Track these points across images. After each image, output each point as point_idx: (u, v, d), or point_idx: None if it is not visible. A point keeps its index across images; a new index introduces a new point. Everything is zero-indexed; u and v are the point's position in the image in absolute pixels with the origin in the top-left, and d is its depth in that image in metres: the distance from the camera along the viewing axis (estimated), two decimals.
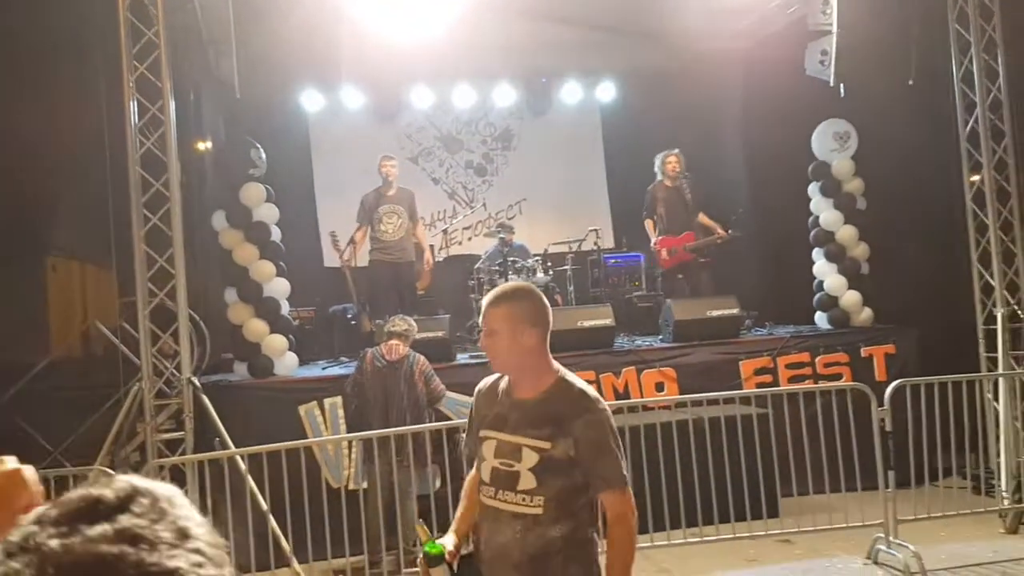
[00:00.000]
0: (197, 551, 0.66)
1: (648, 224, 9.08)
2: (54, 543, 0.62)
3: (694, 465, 6.23)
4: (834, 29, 7.28)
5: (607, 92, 11.09)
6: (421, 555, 2.65)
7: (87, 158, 8.63)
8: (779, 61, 8.55)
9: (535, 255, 9.46)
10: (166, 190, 6.62)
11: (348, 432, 6.96)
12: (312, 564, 6.28)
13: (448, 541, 2.72)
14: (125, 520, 0.65)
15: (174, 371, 6.66)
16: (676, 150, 8.89)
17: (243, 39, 7.59)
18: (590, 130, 11.55)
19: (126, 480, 0.69)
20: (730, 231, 8.67)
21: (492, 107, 11.21)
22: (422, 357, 6.48)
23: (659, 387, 7.59)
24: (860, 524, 6.00)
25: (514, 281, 2.76)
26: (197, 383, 6.68)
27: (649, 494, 6.17)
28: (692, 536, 6.12)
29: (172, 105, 6.71)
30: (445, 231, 10.74)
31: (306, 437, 6.96)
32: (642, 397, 7.42)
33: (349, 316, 9.09)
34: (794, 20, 8.24)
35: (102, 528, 0.63)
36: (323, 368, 8.27)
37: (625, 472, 2.63)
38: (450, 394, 6.67)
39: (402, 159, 10.34)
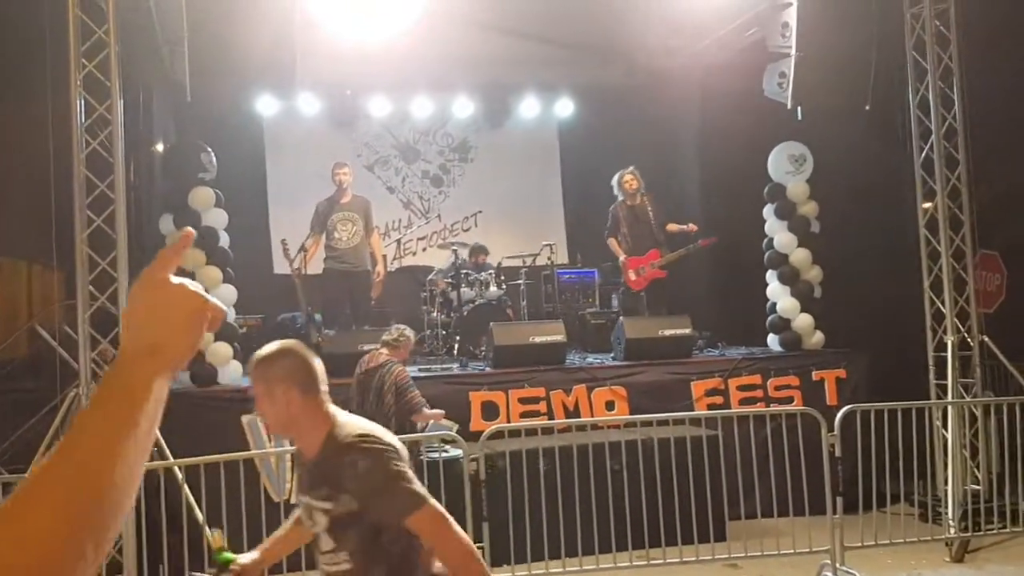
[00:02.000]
0: None
1: (612, 243, 8.99)
2: None
3: (642, 486, 6.18)
4: (792, 52, 7.32)
5: (565, 108, 11.09)
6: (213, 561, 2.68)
7: (32, 156, 8.38)
8: (737, 82, 8.59)
9: (488, 270, 9.38)
10: (111, 191, 6.42)
11: None
12: None
13: (247, 556, 2.71)
14: None
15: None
16: (631, 167, 8.87)
17: (196, 41, 7.43)
18: (547, 145, 11.54)
19: None
20: (692, 246, 8.66)
21: (450, 118, 11.15)
22: (399, 368, 6.25)
23: (609, 406, 7.52)
24: (807, 550, 5.98)
25: (278, 342, 2.80)
26: None
27: (596, 515, 6.11)
28: (639, 559, 6.06)
29: (120, 105, 6.52)
30: (399, 241, 10.62)
31: (248, 448, 6.78)
32: (592, 415, 7.35)
33: (297, 325, 8.91)
34: (753, 42, 8.29)
35: None
36: None
37: (419, 489, 2.54)
38: None
39: (358, 167, 10.23)
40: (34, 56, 7.66)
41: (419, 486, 2.55)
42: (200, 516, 5.92)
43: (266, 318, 9.40)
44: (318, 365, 2.69)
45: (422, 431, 6.44)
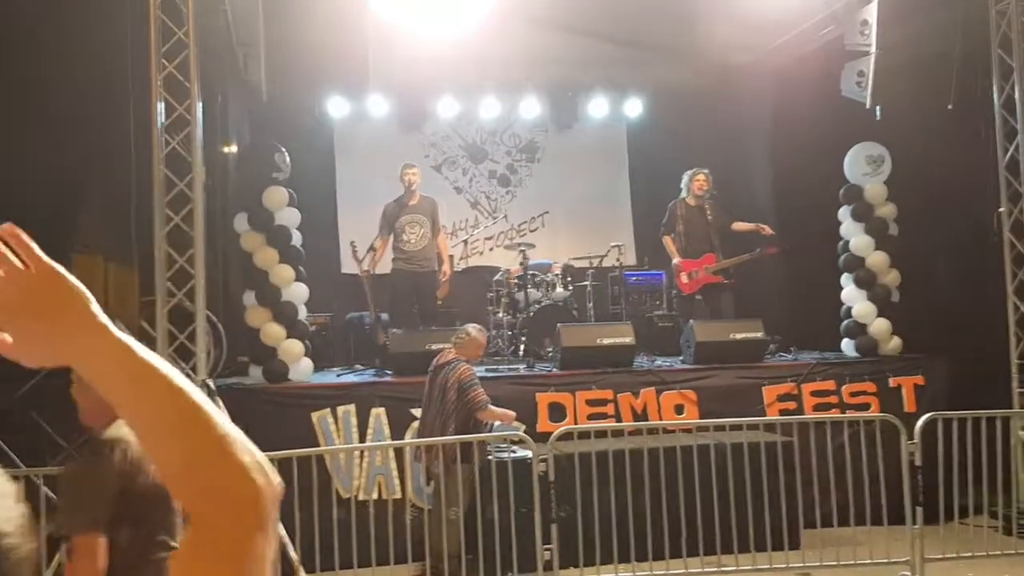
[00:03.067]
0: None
1: (667, 241, 8.92)
2: None
3: (714, 491, 6.08)
4: (872, 50, 7.14)
5: (634, 108, 10.99)
6: None
7: (113, 156, 8.61)
8: (812, 81, 8.42)
9: (553, 272, 9.34)
10: (189, 190, 6.56)
11: (367, 440, 6.92)
12: (320, 575, 6.16)
13: None
14: None
15: (190, 372, 6.58)
16: (706, 170, 8.74)
17: (272, 43, 7.56)
18: (616, 145, 11.46)
19: None
20: (758, 251, 8.50)
21: (517, 119, 11.14)
22: (464, 366, 6.26)
23: (679, 409, 7.43)
24: (885, 560, 5.83)
25: None
26: (212, 385, 6.59)
27: (666, 520, 6.04)
28: (710, 565, 5.96)
29: (199, 106, 6.66)
30: (466, 241, 10.65)
31: (318, 444, 6.87)
32: (661, 419, 7.27)
33: (365, 325, 9.01)
34: (829, 40, 8.11)
35: None
36: (337, 375, 8.18)
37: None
38: None
39: (425, 167, 10.28)
40: (115, 58, 7.87)
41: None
42: None
43: (334, 317, 9.51)
44: None
45: (490, 430, 6.44)
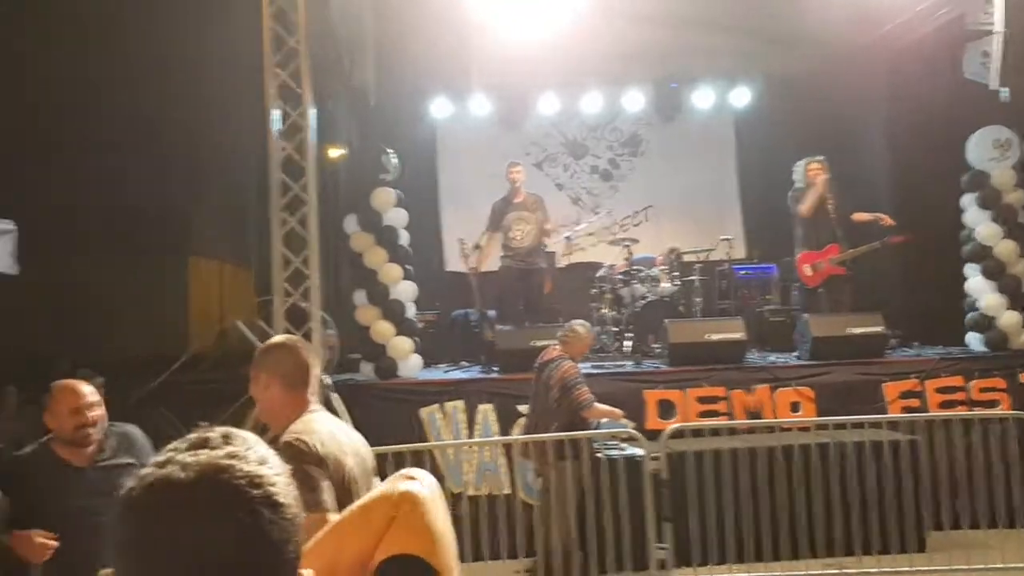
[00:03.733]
0: (272, 468, 1.01)
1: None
2: (188, 458, 0.98)
3: (834, 491, 5.89)
4: (998, 29, 6.77)
5: (741, 97, 10.73)
6: None
7: (229, 162, 8.94)
8: (931, 63, 8.08)
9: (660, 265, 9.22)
10: (304, 193, 6.75)
11: (474, 436, 6.99)
12: None
13: None
14: (228, 448, 1.00)
15: None
16: (820, 157, 8.45)
17: (378, 48, 7.71)
18: (722, 136, 11.22)
19: (223, 428, 1.04)
20: (882, 241, 8.15)
21: (620, 112, 11.05)
22: (568, 364, 6.22)
23: (795, 407, 7.22)
24: (1018, 566, 5.54)
25: (282, 336, 3.13)
26: (328, 381, 6.77)
27: (784, 519, 5.89)
28: (830, 567, 5.79)
29: (311, 112, 6.84)
30: (568, 238, 10.60)
31: (427, 439, 6.97)
32: (775, 416, 7.08)
33: (472, 321, 9.09)
34: (949, 20, 7.73)
35: (216, 451, 0.99)
36: (445, 371, 8.29)
37: (316, 496, 2.52)
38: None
39: (527, 165, 10.30)
40: (231, 69, 8.16)
41: (321, 493, 2.54)
42: None
43: (441, 314, 9.62)
44: (307, 364, 2.82)
45: (596, 428, 6.40)
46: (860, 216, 8.32)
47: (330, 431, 2.77)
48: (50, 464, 3.44)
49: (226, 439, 1.01)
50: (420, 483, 1.35)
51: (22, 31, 7.80)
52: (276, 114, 6.78)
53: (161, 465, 0.98)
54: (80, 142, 8.04)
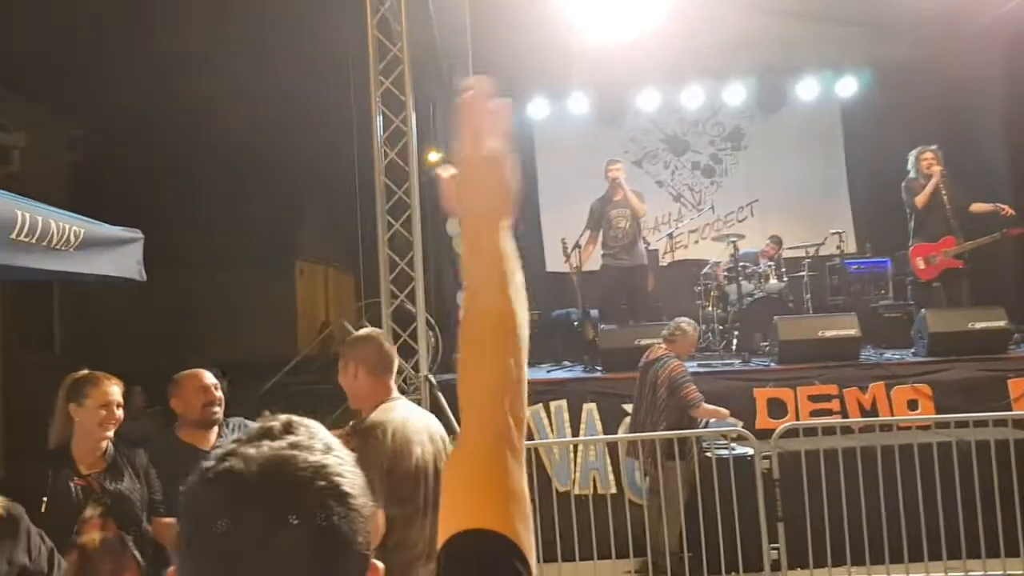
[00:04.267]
0: (338, 456, 0.97)
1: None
2: (251, 450, 0.94)
3: (957, 492, 5.65)
4: None
5: (848, 87, 10.44)
6: None
7: (333, 169, 9.21)
8: None
9: (767, 262, 9.03)
10: (407, 197, 6.90)
11: (579, 435, 7.00)
12: (543, 566, 6.28)
13: None
14: (291, 438, 0.96)
15: (412, 369, 6.91)
16: (934, 146, 8.12)
17: (477, 53, 7.81)
18: (828, 127, 10.93)
19: (285, 415, 1.01)
20: (1001, 233, 7.79)
21: (721, 106, 10.90)
22: (675, 362, 6.22)
23: (912, 405, 6.97)
24: None
25: (367, 329, 3.41)
26: (433, 380, 6.90)
27: (903, 521, 5.68)
28: (954, 570, 5.57)
29: (414, 117, 6.99)
30: (671, 235, 10.51)
31: (532, 439, 7.00)
32: (892, 415, 6.84)
33: (574, 321, 9.09)
34: None
35: (279, 441, 0.96)
36: (547, 371, 8.30)
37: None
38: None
39: (626, 163, 10.24)
40: (336, 77, 8.41)
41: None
42: None
43: (540, 315, 9.66)
44: (390, 354, 3.11)
45: (703, 427, 6.32)
46: (979, 207, 7.94)
47: (403, 418, 2.99)
48: (177, 449, 3.65)
49: (288, 428, 0.97)
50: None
51: (151, 55, 8.22)
52: (380, 120, 6.95)
53: (222, 458, 0.94)
54: (199, 157, 8.43)
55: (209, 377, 3.82)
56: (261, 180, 8.99)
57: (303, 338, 10.87)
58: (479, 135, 1.29)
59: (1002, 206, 7.82)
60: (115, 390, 3.42)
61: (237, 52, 8.30)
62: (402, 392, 6.73)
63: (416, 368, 6.95)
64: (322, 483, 0.93)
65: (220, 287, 8.79)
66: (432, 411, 6.74)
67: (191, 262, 8.57)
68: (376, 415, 2.96)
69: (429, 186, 9.42)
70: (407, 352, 7.00)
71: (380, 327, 7.06)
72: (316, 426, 1.00)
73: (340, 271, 11.50)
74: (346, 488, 0.95)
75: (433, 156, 9.83)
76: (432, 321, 8.25)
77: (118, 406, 3.42)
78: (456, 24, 8.14)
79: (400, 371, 6.95)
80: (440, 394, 6.84)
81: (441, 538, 1.08)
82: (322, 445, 0.97)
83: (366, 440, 2.84)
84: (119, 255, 4.15)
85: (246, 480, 0.92)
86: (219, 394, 3.79)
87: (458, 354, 1.24)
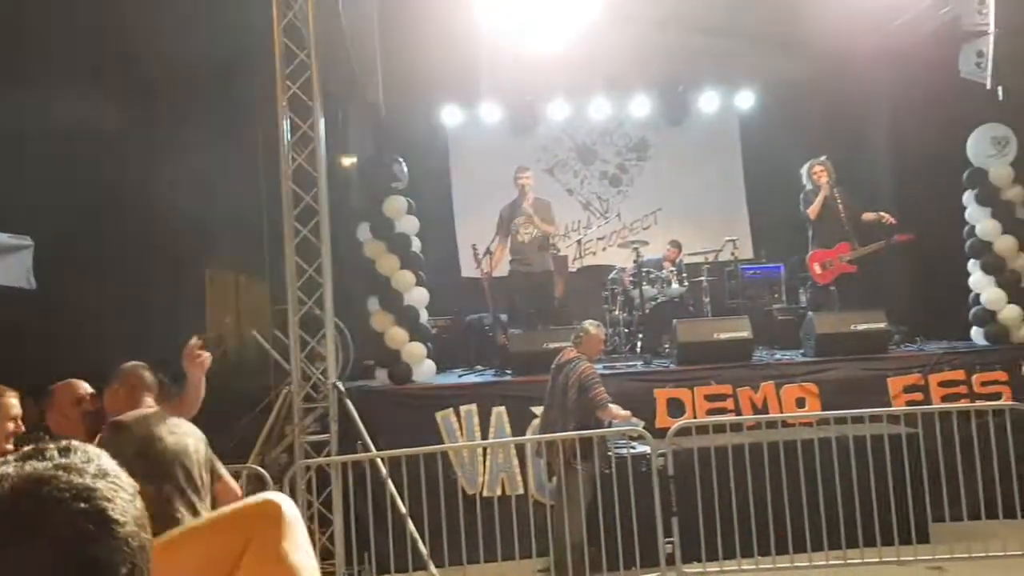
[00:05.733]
0: (114, 484, 0.93)
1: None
2: (10, 469, 0.90)
3: (838, 485, 6.01)
4: (991, 29, 6.89)
5: (746, 100, 10.87)
6: None
7: (241, 175, 9.14)
8: (930, 64, 8.17)
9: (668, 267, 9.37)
10: (315, 203, 6.94)
11: (488, 438, 7.15)
12: (448, 569, 6.42)
13: None
14: (62, 459, 0.92)
15: (320, 376, 6.95)
16: (823, 158, 8.59)
17: (387, 57, 7.89)
18: (728, 139, 11.35)
19: (66, 440, 0.96)
20: (887, 240, 8.28)
21: (627, 117, 11.20)
22: (585, 364, 6.37)
23: (800, 403, 7.36)
24: (1019, 553, 5.64)
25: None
26: (342, 388, 6.96)
27: (790, 513, 6.01)
28: (835, 559, 5.91)
29: (322, 122, 7.03)
30: (579, 242, 10.77)
31: (442, 443, 7.12)
32: (781, 412, 7.21)
33: (485, 326, 9.25)
34: (947, 21, 7.85)
35: (45, 463, 0.91)
36: (459, 376, 8.44)
37: None
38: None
39: (537, 171, 10.46)
40: (242, 82, 8.38)
41: None
42: (403, 508, 6.30)
43: (455, 320, 9.79)
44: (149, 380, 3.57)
45: (608, 427, 6.56)
46: (868, 216, 8.44)
47: (153, 413, 3.37)
48: None
49: (64, 452, 0.93)
50: (284, 503, 1.25)
51: (40, 51, 8.04)
52: (286, 125, 6.98)
53: None
54: (95, 159, 8.27)
55: (86, 388, 3.77)
56: (167, 186, 8.86)
57: (212, 346, 10.67)
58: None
59: (884, 215, 8.32)
60: (15, 403, 3.41)
61: (139, 48, 8.19)
62: (310, 400, 6.82)
63: (324, 375, 6.99)
64: (83, 505, 0.88)
65: (124, 297, 8.63)
66: (341, 418, 6.86)
67: (93, 270, 8.39)
68: (127, 416, 3.27)
69: (340, 192, 9.47)
70: (316, 359, 7.05)
71: (288, 333, 7.09)
72: (97, 453, 0.96)
73: (251, 278, 11.37)
74: (112, 514, 0.90)
75: (346, 162, 9.87)
76: (343, 327, 8.30)
77: (19, 419, 3.42)
78: (366, 29, 8.21)
79: (308, 378, 7.01)
80: (349, 401, 6.90)
81: None
82: (96, 470, 0.93)
83: (113, 434, 3.10)
84: (6, 263, 4.10)
85: None
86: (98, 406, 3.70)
87: None
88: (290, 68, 6.99)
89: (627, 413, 6.37)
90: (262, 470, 6.11)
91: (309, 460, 6.54)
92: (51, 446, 0.94)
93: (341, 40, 8.08)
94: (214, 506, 4.23)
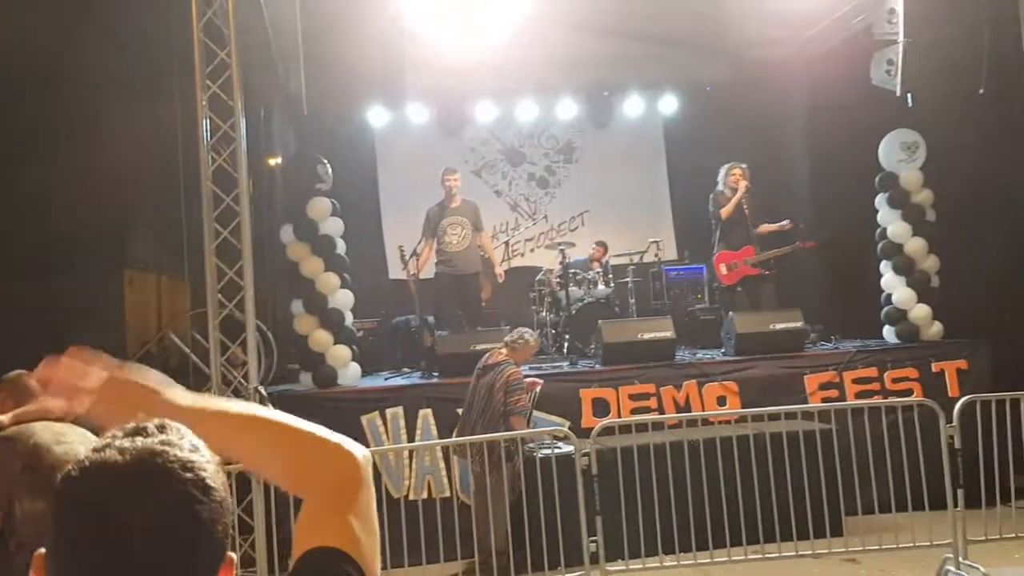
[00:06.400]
0: (205, 456, 1.10)
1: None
2: (126, 443, 1.07)
3: (755, 481, 6.15)
4: (900, 38, 7.15)
5: (669, 105, 11.07)
6: None
7: (162, 174, 8.93)
8: (845, 71, 8.43)
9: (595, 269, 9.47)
10: (236, 205, 6.81)
11: (415, 441, 7.13)
12: None
13: None
14: (163, 436, 1.09)
15: (242, 380, 6.83)
16: (743, 164, 8.79)
17: (311, 57, 7.79)
18: (652, 143, 11.54)
19: (158, 420, 1.13)
20: (792, 246, 8.54)
21: (554, 120, 11.30)
22: (513, 368, 6.43)
23: (721, 401, 7.51)
24: (928, 544, 5.85)
25: None
26: (263, 392, 6.85)
27: (710, 509, 6.13)
28: (754, 554, 6.03)
29: (243, 122, 6.91)
30: (507, 243, 10.81)
31: (368, 446, 7.07)
32: (704, 411, 7.35)
33: (411, 328, 9.21)
34: (860, 30, 8.11)
35: (151, 438, 1.08)
36: (385, 379, 8.39)
37: None
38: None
39: (466, 172, 10.47)
40: (162, 80, 8.19)
41: None
42: None
43: (382, 321, 9.73)
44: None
45: (534, 427, 6.61)
46: (765, 228, 8.70)
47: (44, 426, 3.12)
48: None
49: (160, 429, 1.10)
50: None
51: None
52: (207, 125, 6.84)
53: (99, 450, 1.07)
54: (5, 154, 7.99)
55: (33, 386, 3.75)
56: (86, 185, 8.61)
57: (132, 349, 10.42)
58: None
59: (784, 224, 8.56)
60: None
61: (56, 50, 7.94)
62: None
63: (246, 379, 6.87)
64: (188, 475, 1.06)
65: (42, 296, 8.35)
66: None
67: (7, 274, 8.09)
68: (12, 430, 3.13)
69: (264, 193, 9.33)
70: (238, 363, 6.92)
71: (207, 337, 6.94)
72: (185, 429, 1.13)
73: (173, 279, 11.09)
74: (209, 482, 1.07)
75: (272, 162, 9.73)
76: (266, 330, 8.17)
77: None
78: (290, 28, 8.09)
79: (229, 383, 6.88)
80: (270, 405, 6.79)
81: (295, 554, 1.26)
82: (189, 445, 1.10)
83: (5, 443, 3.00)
84: None
85: (119, 467, 1.04)
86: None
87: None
88: (210, 67, 6.84)
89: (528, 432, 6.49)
90: None
91: (229, 466, 6.40)
92: (149, 424, 1.11)
93: (265, 40, 7.96)
94: None
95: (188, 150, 7.31)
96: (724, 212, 8.63)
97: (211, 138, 6.85)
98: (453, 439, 6.91)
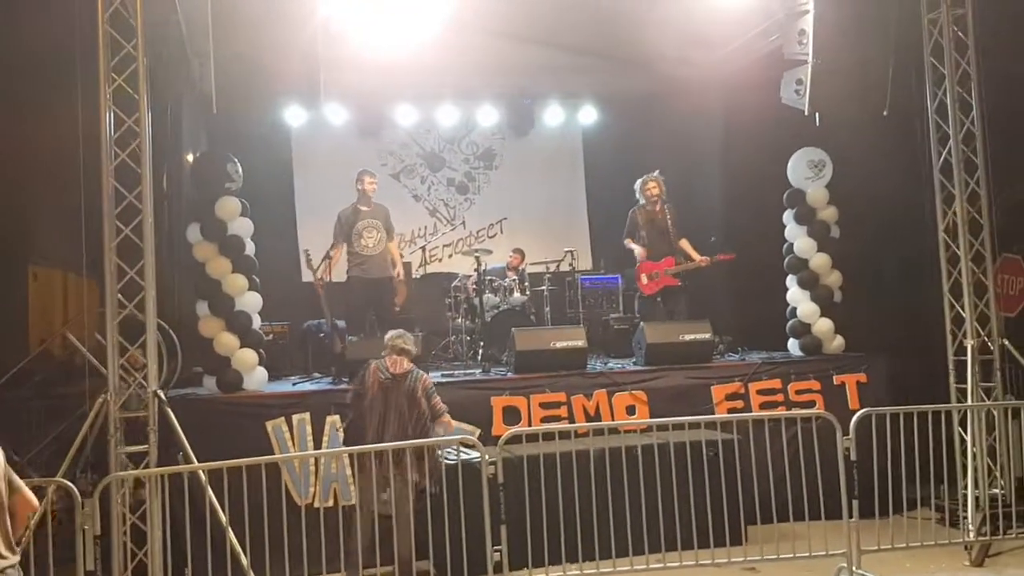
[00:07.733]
0: None
1: (629, 242, 9.06)
2: None
3: (659, 490, 6.20)
4: (809, 59, 7.34)
5: (589, 115, 11.18)
6: None
7: (66, 168, 8.61)
8: (758, 89, 8.61)
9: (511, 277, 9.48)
10: (139, 202, 6.57)
11: (322, 447, 6.98)
12: None
13: None
14: None
15: (142, 382, 6.60)
16: (656, 173, 8.94)
17: (223, 53, 7.58)
18: (571, 152, 11.64)
19: None
20: (711, 257, 8.71)
21: (475, 126, 11.29)
22: (424, 374, 6.40)
23: (630, 410, 7.58)
24: (824, 553, 5.98)
25: None
26: (163, 396, 6.61)
27: (614, 518, 6.15)
28: (656, 563, 6.07)
29: (149, 117, 6.69)
30: (424, 248, 10.74)
31: (273, 453, 6.90)
32: (613, 420, 7.41)
33: (321, 333, 9.04)
34: (772, 50, 8.30)
35: None
36: (293, 384, 8.21)
37: None
38: None
39: (384, 176, 10.37)
40: (65, 71, 7.88)
41: None
42: (224, 518, 6.05)
43: (292, 325, 9.54)
44: None
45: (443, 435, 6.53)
46: (684, 245, 8.88)
47: None
48: None
49: None
50: None
51: None
52: (110, 119, 6.60)
53: None
54: None
55: None
56: None
57: (35, 349, 10.02)
58: None
59: (701, 259, 8.72)
60: None
61: None
62: (129, 409, 6.45)
63: (146, 382, 6.63)
64: None
65: None
66: (161, 428, 6.51)
67: None
68: None
69: (171, 191, 9.05)
70: (138, 366, 6.68)
71: (105, 337, 6.69)
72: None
73: (79, 277, 10.67)
74: None
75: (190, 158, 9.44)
76: (171, 332, 7.92)
77: None
78: (201, 22, 7.87)
79: (128, 385, 6.63)
80: (170, 410, 6.57)
81: None
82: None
83: None
84: None
85: None
86: None
87: None
88: (115, 60, 6.60)
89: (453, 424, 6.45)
90: (71, 484, 5.72)
91: (124, 472, 6.18)
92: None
93: (179, 34, 7.73)
94: (13, 521, 3.94)
95: (89, 144, 7.04)
96: (641, 224, 8.80)
97: (114, 132, 6.61)
98: (362, 447, 6.77)
